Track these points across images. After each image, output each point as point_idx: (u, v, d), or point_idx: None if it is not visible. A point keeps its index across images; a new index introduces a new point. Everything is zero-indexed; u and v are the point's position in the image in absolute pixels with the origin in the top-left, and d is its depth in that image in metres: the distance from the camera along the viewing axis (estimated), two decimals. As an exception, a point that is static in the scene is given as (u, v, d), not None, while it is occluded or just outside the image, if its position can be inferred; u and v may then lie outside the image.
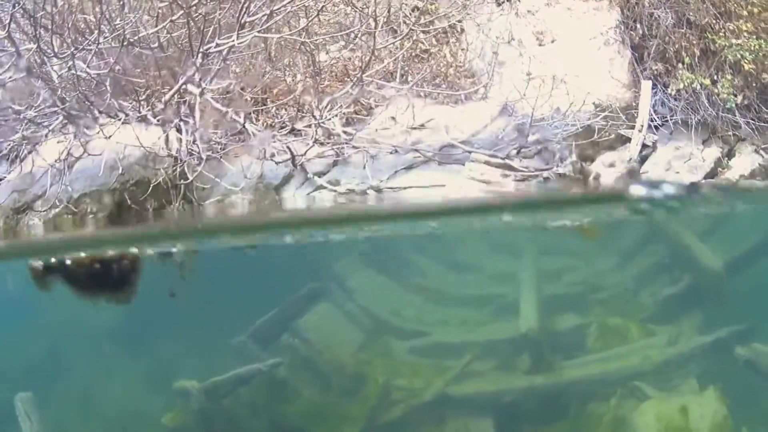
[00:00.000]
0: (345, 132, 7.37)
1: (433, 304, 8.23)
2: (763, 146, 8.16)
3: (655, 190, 4.80)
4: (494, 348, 7.79)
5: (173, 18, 6.79)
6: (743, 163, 8.09)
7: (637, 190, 4.95)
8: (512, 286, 8.01)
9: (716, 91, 7.99)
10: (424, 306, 8.19)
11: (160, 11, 6.94)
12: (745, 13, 8.27)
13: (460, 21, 8.07)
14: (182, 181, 6.67)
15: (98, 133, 6.25)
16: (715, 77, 8.14)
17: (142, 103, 6.74)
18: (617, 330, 7.89)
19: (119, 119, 6.53)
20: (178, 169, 6.44)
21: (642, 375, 7.44)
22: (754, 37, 8.15)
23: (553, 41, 8.06)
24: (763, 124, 8.12)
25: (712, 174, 7.90)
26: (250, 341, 7.60)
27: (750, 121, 8.16)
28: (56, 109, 6.67)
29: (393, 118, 7.32)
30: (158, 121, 6.42)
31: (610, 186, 7.60)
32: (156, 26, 6.74)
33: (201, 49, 6.65)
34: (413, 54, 7.90)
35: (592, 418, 7.25)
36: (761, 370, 7.25)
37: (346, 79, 7.87)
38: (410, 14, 8.02)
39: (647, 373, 7.49)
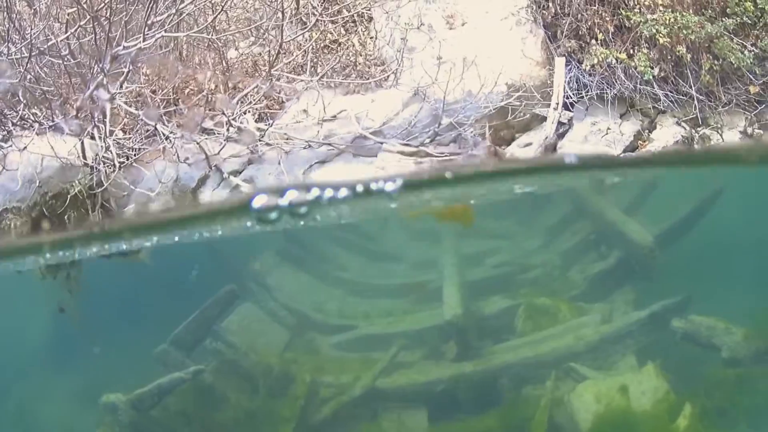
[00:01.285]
0: (258, 128, 9.38)
1: (356, 297, 9.51)
2: (684, 118, 9.95)
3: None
4: (420, 337, 8.97)
5: (82, 23, 8.22)
6: (665, 135, 9.80)
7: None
8: (434, 273, 9.24)
9: (633, 64, 9.68)
10: (346, 299, 9.48)
11: (69, 17, 8.32)
12: (660, -14, 10.10)
13: (368, 9, 9.79)
14: (98, 190, 8.19)
15: (11, 146, 8.12)
16: (631, 52, 9.82)
17: (55, 111, 8.12)
18: (547, 310, 9.10)
19: (33, 129, 8.35)
20: (94, 178, 7.95)
21: (577, 355, 8.50)
22: (670, 10, 9.86)
23: (463, 24, 9.84)
24: (681, 96, 9.87)
25: (632, 147, 9.58)
26: (172, 348, 8.52)
27: (668, 93, 9.86)
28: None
29: (305, 111, 8.97)
30: (72, 129, 7.84)
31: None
32: (65, 33, 8.14)
33: (110, 53, 8.04)
34: (322, 45, 9.59)
35: (529, 401, 8.28)
36: (700, 342, 8.31)
37: (256, 74, 9.37)
38: (318, 5, 9.88)
39: (582, 353, 8.56)
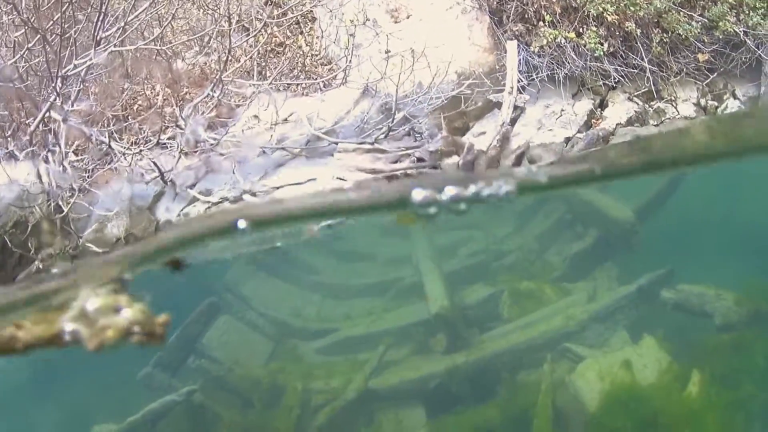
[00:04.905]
0: (210, 138, 10.46)
1: (334, 299, 10.54)
2: (636, 93, 10.99)
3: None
4: (407, 333, 9.82)
5: (30, 45, 8.78)
6: (618, 111, 10.81)
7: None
8: (409, 268, 10.24)
9: (582, 42, 10.63)
10: (324, 302, 10.45)
11: (16, 40, 8.92)
12: (605, -35, 10.71)
13: (311, 10, 10.76)
14: (57, 215, 8.73)
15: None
16: (580, 31, 10.79)
17: (8, 138, 8.68)
18: (531, 294, 10.02)
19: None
20: (53, 203, 8.55)
21: (569, 335, 9.26)
22: None
23: (408, 17, 10.77)
24: (631, 69, 10.88)
25: (586, 126, 10.54)
26: (156, 371, 9.41)
27: (618, 67, 10.85)
28: None
29: (256, 116, 9.74)
30: (26, 155, 8.49)
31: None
32: (14, 56, 8.71)
33: (60, 73, 8.62)
34: (269, 49, 10.44)
35: (529, 387, 8.88)
36: (693, 310, 9.21)
37: (205, 83, 10.08)
38: (263, 9, 10.81)
39: (574, 333, 9.33)
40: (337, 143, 9.66)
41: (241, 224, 5.35)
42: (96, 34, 9.00)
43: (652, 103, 11.08)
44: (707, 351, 8.64)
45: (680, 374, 8.07)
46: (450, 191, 5.93)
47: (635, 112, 10.98)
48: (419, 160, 9.85)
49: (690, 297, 9.19)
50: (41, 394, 9.03)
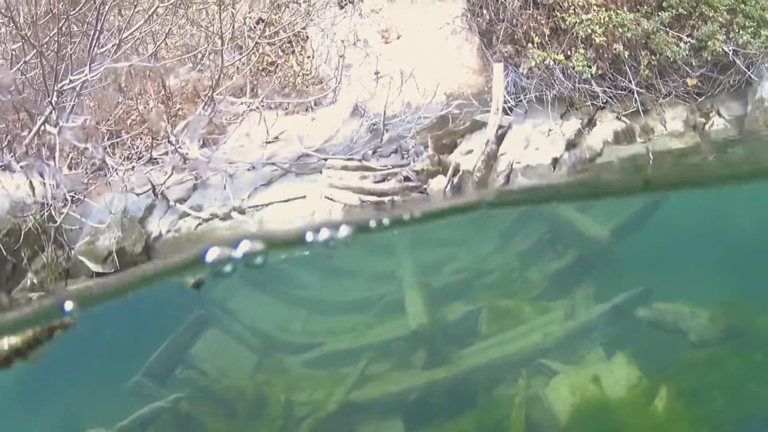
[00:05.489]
0: (202, 155, 10.81)
1: (319, 314, 10.88)
2: (624, 113, 11.17)
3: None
4: (388, 348, 10.24)
5: (26, 59, 9.15)
6: (605, 129, 11.05)
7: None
8: (393, 285, 10.56)
9: (571, 64, 10.82)
10: (310, 317, 10.83)
11: (13, 53, 9.32)
12: (593, -14, 10.89)
13: (304, 29, 11.16)
14: (51, 225, 9.05)
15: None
16: (569, 53, 10.99)
17: (4, 150, 9.08)
18: (509, 311, 10.42)
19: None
20: (46, 214, 8.91)
21: (546, 352, 9.68)
22: (603, 9, 11.12)
23: (399, 37, 11.09)
24: (620, 91, 11.09)
25: (573, 144, 10.76)
26: (146, 380, 9.87)
27: (606, 89, 11.05)
28: None
29: (247, 134, 10.10)
30: (21, 167, 8.79)
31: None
32: (10, 69, 9.03)
33: (56, 87, 8.99)
34: (260, 68, 10.78)
35: (503, 401, 9.31)
36: (668, 327, 9.63)
37: (197, 99, 10.53)
38: (255, 27, 11.12)
39: (551, 349, 9.75)
40: (326, 159, 10.01)
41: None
42: (92, 50, 9.39)
43: (639, 120, 11.37)
44: (679, 367, 9.03)
45: (649, 389, 8.47)
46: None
47: (622, 130, 11.27)
48: (406, 179, 10.16)
49: (665, 315, 9.63)
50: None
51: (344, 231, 7.66)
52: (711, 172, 11.05)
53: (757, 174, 9.85)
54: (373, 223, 8.26)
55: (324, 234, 7.72)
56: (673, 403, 8.27)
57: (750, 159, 11.33)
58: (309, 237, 7.75)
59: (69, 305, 7.25)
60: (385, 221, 8.46)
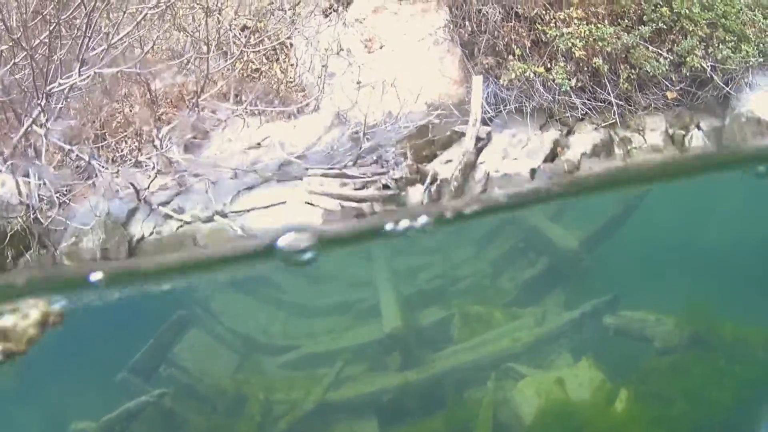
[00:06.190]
0: (185, 159, 10.86)
1: (298, 317, 11.58)
2: (603, 125, 11.54)
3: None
4: (363, 351, 10.86)
5: (16, 60, 9.44)
6: (584, 140, 11.42)
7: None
8: (370, 290, 11.17)
9: (551, 77, 11.18)
10: (289, 320, 11.51)
11: (2, 52, 9.61)
12: (575, 0, 11.59)
13: (289, 37, 11.48)
14: (36, 226, 9.41)
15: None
16: (549, 65, 11.36)
17: None
18: (481, 317, 11.10)
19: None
20: (31, 216, 9.27)
21: (515, 356, 10.33)
22: (585, 22, 11.52)
23: (381, 47, 11.44)
24: (599, 103, 11.46)
25: (552, 156, 11.14)
26: (131, 376, 10.52)
27: (586, 101, 11.41)
28: None
29: (230, 140, 10.45)
30: (7, 167, 9.20)
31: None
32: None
33: (45, 90, 9.31)
34: (245, 74, 11.16)
35: (472, 402, 9.95)
36: (634, 334, 10.32)
37: (181, 103, 10.88)
38: (240, 34, 11.50)
39: (520, 354, 10.43)
40: (307, 168, 10.44)
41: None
42: (80, 55, 9.72)
43: (617, 131, 11.74)
44: (641, 372, 9.63)
45: (610, 392, 9.08)
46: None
47: (600, 140, 11.62)
48: (385, 187, 10.53)
49: (631, 322, 10.29)
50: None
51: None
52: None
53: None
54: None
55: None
56: (632, 405, 8.83)
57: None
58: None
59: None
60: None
